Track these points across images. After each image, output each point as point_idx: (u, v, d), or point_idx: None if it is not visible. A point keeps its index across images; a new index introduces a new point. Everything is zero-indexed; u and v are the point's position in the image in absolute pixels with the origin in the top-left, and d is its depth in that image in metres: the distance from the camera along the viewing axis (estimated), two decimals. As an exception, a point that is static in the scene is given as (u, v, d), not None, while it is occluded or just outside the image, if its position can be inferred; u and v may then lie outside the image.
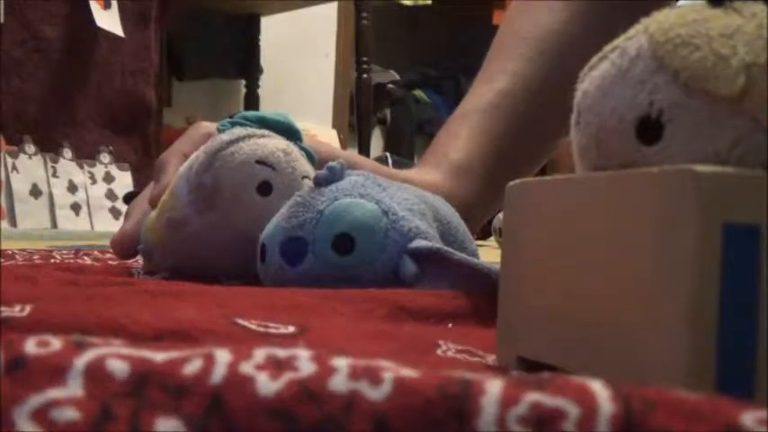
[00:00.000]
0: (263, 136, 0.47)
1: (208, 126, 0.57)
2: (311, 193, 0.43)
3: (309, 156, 0.49)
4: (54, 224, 1.52)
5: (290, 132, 0.48)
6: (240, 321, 0.29)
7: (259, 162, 0.45)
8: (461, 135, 0.66)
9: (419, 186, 0.50)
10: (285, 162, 0.46)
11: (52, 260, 0.56)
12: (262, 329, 0.28)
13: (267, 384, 0.15)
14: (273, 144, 0.46)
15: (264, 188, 0.46)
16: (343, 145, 2.60)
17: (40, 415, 0.15)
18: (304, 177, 0.46)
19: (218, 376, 0.16)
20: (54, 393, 0.16)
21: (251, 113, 0.48)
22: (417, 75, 3.51)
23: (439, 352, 0.28)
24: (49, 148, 1.55)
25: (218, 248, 0.47)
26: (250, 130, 0.47)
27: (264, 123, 0.48)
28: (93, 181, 1.58)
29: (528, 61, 0.66)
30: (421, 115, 3.39)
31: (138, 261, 0.57)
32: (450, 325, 0.35)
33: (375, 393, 0.15)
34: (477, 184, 0.64)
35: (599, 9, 0.67)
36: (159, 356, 0.16)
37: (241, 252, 0.46)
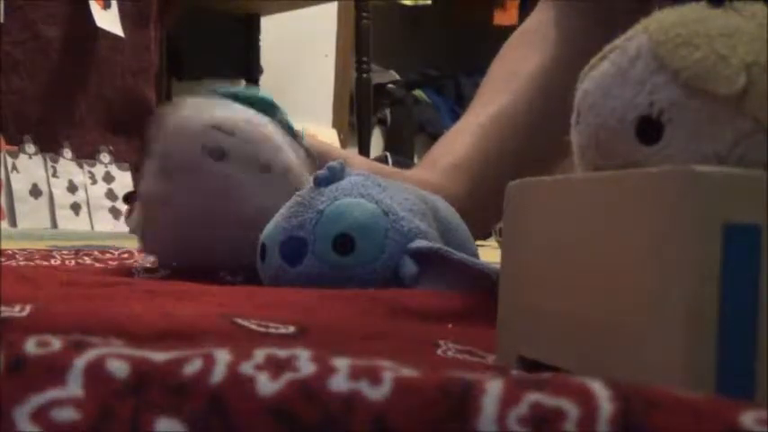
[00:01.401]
0: (229, 106, 0.46)
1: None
2: (311, 193, 0.42)
3: (290, 130, 0.48)
4: (54, 224, 1.52)
5: (266, 107, 0.47)
6: (240, 321, 0.29)
7: (215, 128, 0.44)
8: (457, 141, 0.68)
9: (413, 183, 0.50)
10: (246, 131, 0.45)
11: (52, 260, 0.56)
12: (262, 329, 0.28)
13: (267, 384, 0.15)
14: (234, 111, 0.45)
15: (218, 153, 0.44)
16: (343, 145, 2.60)
17: (40, 415, 0.15)
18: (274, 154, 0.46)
19: (218, 376, 0.16)
20: (54, 393, 0.16)
21: (224, 89, 0.48)
22: (417, 75, 3.51)
23: (439, 352, 0.28)
24: (49, 148, 1.55)
25: (186, 225, 0.46)
26: (219, 101, 0.46)
27: (238, 99, 0.47)
28: (94, 181, 1.58)
29: (513, 96, 0.69)
30: (421, 115, 3.38)
31: (137, 260, 0.57)
32: (450, 325, 0.35)
33: (375, 393, 0.15)
34: (471, 183, 0.64)
35: (573, 59, 0.68)
36: (159, 356, 0.16)
37: (210, 227, 0.45)
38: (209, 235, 0.45)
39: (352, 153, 0.63)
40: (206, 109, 0.45)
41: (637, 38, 0.22)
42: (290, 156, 0.46)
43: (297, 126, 0.49)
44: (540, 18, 0.72)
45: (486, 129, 0.67)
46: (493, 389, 0.15)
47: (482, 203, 0.64)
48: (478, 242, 0.66)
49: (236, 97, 0.47)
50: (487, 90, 0.71)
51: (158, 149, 0.45)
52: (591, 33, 0.67)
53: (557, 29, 0.70)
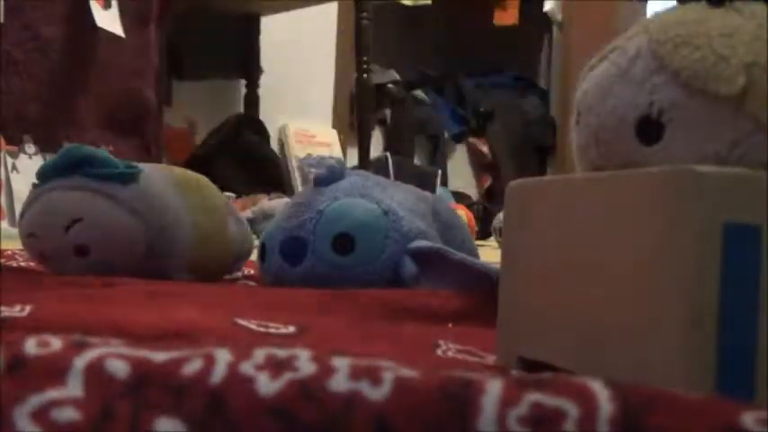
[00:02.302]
0: (37, 199, 0.46)
1: None
2: (311, 193, 0.43)
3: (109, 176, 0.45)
4: (54, 224, 1.51)
5: (76, 164, 0.45)
6: (240, 321, 0.29)
7: (30, 236, 0.46)
8: None
9: None
10: (42, 224, 0.45)
11: (52, 260, 0.56)
12: (262, 329, 0.28)
13: (267, 384, 0.15)
14: (36, 209, 0.46)
15: (42, 258, 0.46)
16: (343, 145, 2.60)
17: (40, 415, 0.15)
18: (73, 224, 0.45)
19: (218, 376, 0.16)
20: (54, 393, 0.15)
21: (44, 166, 0.46)
22: (417, 75, 3.51)
23: (439, 352, 0.28)
24: (49, 148, 1.54)
25: None
26: (32, 194, 0.46)
27: (50, 172, 0.46)
28: (94, 181, 1.57)
29: None
30: (421, 115, 3.38)
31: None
32: (450, 325, 0.35)
33: (375, 393, 0.15)
34: None
35: None
36: (159, 356, 0.16)
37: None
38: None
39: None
40: (24, 214, 0.47)
41: (637, 38, 0.22)
42: (107, 223, 0.45)
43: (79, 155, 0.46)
44: None
45: None
46: (493, 389, 0.15)
47: None
48: (478, 242, 0.66)
49: (47, 170, 0.46)
50: None
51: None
52: None
53: None
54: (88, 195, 0.44)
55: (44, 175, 0.46)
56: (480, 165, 2.87)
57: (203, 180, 0.52)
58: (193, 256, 0.48)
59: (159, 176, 0.48)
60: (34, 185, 0.46)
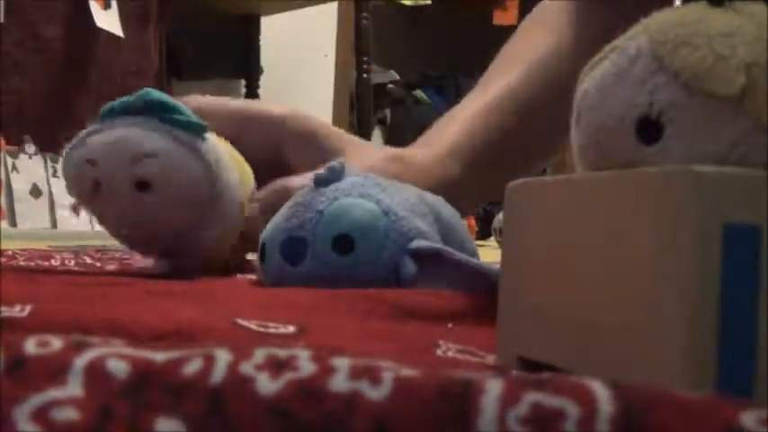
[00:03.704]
0: (101, 131, 0.44)
1: (198, 99, 0.57)
2: (311, 193, 0.43)
3: (186, 124, 0.45)
4: (54, 224, 1.52)
5: (148, 106, 0.45)
6: (240, 321, 0.29)
7: (87, 162, 0.44)
8: (456, 122, 0.67)
9: (408, 163, 0.50)
10: (109, 153, 0.43)
11: (52, 260, 0.56)
12: (262, 329, 0.28)
13: (267, 384, 0.15)
14: (99, 139, 0.44)
15: (95, 186, 0.45)
16: (343, 145, 2.59)
17: (40, 415, 0.15)
18: (142, 158, 0.43)
19: (218, 376, 0.16)
20: (54, 393, 0.16)
21: (109, 104, 0.45)
22: (417, 75, 3.51)
23: (439, 352, 0.28)
24: (49, 148, 1.55)
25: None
26: (95, 127, 0.45)
27: (117, 111, 0.45)
28: (94, 181, 1.57)
29: (522, 75, 0.68)
30: (421, 115, 3.38)
31: (136, 260, 0.57)
32: (450, 325, 0.35)
33: (375, 393, 0.15)
34: (466, 163, 0.64)
35: (591, 38, 0.68)
36: (159, 356, 0.16)
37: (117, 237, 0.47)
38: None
39: (340, 132, 0.60)
40: (87, 136, 0.45)
41: (637, 38, 0.22)
42: (179, 167, 0.44)
43: (155, 99, 0.45)
44: None
45: (481, 114, 0.67)
46: (493, 389, 0.15)
47: (472, 188, 0.64)
48: (478, 242, 0.66)
49: (114, 110, 0.45)
50: (492, 72, 0.71)
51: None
52: (605, 13, 0.67)
53: (571, 7, 0.70)
54: (161, 135, 0.44)
55: (111, 112, 0.45)
56: (480, 165, 2.86)
57: (246, 165, 0.52)
58: (226, 232, 0.48)
59: (222, 144, 0.48)
60: (97, 121, 0.45)
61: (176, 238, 0.46)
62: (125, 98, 0.45)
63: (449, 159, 0.63)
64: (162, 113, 0.44)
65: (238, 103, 0.60)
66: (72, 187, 0.46)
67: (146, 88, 0.46)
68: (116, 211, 0.45)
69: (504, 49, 0.73)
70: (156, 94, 0.45)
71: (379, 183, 0.43)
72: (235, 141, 0.53)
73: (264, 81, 2.51)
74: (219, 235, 0.48)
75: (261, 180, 0.53)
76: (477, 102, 0.68)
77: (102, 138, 0.44)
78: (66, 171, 0.46)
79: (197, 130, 0.45)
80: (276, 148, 0.58)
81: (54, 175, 1.53)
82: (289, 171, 0.56)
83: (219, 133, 0.50)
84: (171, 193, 0.44)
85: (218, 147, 0.46)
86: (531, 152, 0.71)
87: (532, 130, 0.68)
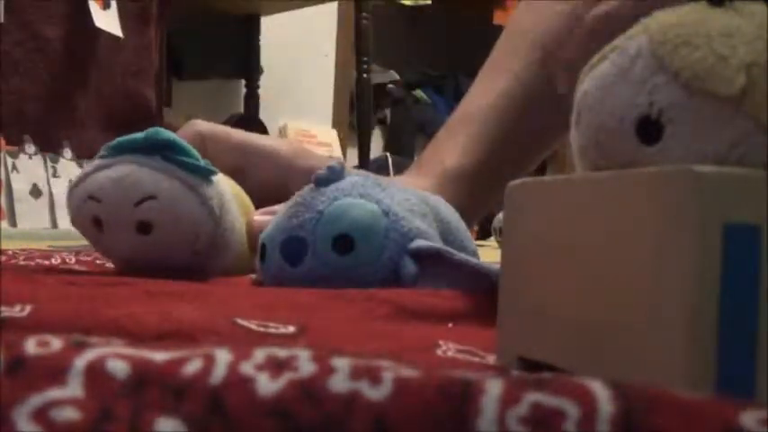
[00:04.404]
0: (107, 167, 0.44)
1: (199, 124, 0.57)
2: (311, 193, 0.43)
3: (189, 166, 0.44)
4: (54, 224, 1.51)
5: (157, 146, 0.44)
6: (240, 321, 0.29)
7: (90, 197, 0.44)
8: (458, 139, 0.66)
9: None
10: (113, 191, 0.43)
11: (52, 260, 0.56)
12: (262, 329, 0.28)
13: (267, 384, 0.15)
14: (105, 175, 0.44)
15: (97, 223, 0.45)
16: (343, 145, 2.60)
17: (40, 415, 0.15)
18: (146, 200, 0.43)
19: (218, 376, 0.16)
20: (54, 393, 0.16)
21: (117, 140, 0.45)
22: (417, 75, 3.51)
23: (439, 352, 0.28)
24: (49, 148, 1.55)
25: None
26: (102, 162, 0.45)
27: (125, 148, 0.45)
28: (94, 181, 1.57)
29: (531, 63, 0.67)
30: (421, 115, 3.39)
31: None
32: (450, 325, 0.35)
33: (375, 393, 0.15)
34: (468, 191, 0.64)
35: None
36: (159, 356, 0.16)
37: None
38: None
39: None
40: (91, 173, 0.45)
41: (637, 38, 0.22)
42: (180, 209, 0.44)
43: (162, 137, 0.45)
44: None
45: (487, 117, 0.66)
46: (493, 389, 0.15)
47: (470, 209, 0.64)
48: (478, 242, 0.66)
49: (120, 147, 0.45)
50: (496, 59, 0.69)
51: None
52: None
53: None
54: (166, 177, 0.44)
55: (118, 148, 0.44)
56: (480, 165, 2.86)
57: (246, 197, 0.52)
58: (230, 265, 0.48)
59: (224, 181, 0.48)
60: (101, 157, 0.45)
61: (175, 272, 0.46)
62: (134, 135, 0.45)
63: (448, 185, 0.63)
64: (169, 154, 0.44)
65: (243, 136, 0.60)
66: (74, 221, 0.46)
67: (156, 128, 0.45)
68: (118, 249, 0.46)
69: (506, 31, 0.71)
70: (166, 134, 0.45)
71: (379, 183, 0.43)
72: (237, 172, 0.53)
73: (264, 81, 2.51)
74: (222, 263, 0.48)
75: None
76: (476, 106, 0.67)
77: (107, 174, 0.44)
78: (69, 204, 0.46)
79: (203, 174, 0.45)
80: (282, 185, 0.58)
81: (54, 175, 1.53)
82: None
83: (222, 161, 0.50)
84: (172, 237, 0.44)
85: (222, 187, 0.47)
86: (530, 151, 0.70)
87: (539, 121, 0.67)
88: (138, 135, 0.45)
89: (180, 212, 0.44)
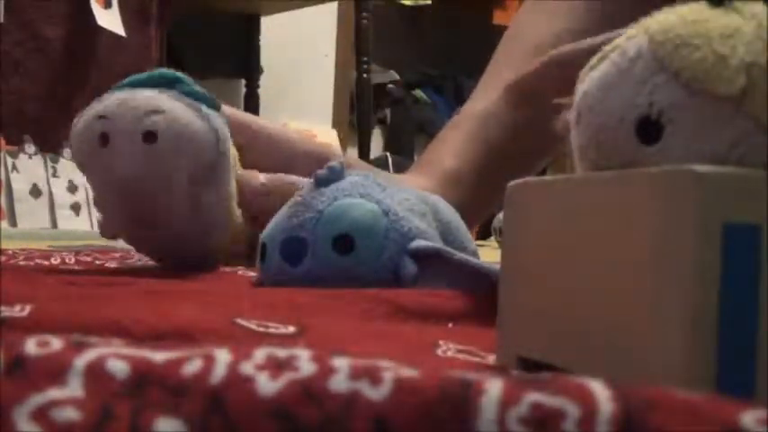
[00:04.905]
0: (112, 94, 0.47)
1: None
2: (311, 193, 0.43)
3: (200, 97, 0.47)
4: (54, 224, 1.51)
5: (170, 81, 0.47)
6: (240, 321, 0.29)
7: (98, 117, 0.46)
8: (456, 141, 0.67)
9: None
10: (122, 108, 0.45)
11: (52, 260, 0.56)
12: (262, 329, 0.28)
13: (267, 384, 0.15)
14: (115, 96, 0.46)
15: (103, 139, 0.46)
16: (343, 145, 2.60)
17: (40, 415, 0.15)
18: (153, 113, 0.45)
19: (218, 376, 0.16)
20: (54, 393, 0.16)
21: (131, 78, 0.48)
22: (417, 75, 3.51)
23: (439, 352, 0.28)
24: (49, 148, 1.54)
25: (107, 209, 0.50)
26: (112, 93, 0.47)
27: (134, 84, 0.47)
28: (94, 181, 1.57)
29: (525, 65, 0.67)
30: (421, 115, 3.39)
31: (137, 260, 0.57)
32: (450, 325, 0.35)
33: (375, 393, 0.15)
34: (468, 192, 0.64)
35: (597, 18, 0.68)
36: (159, 356, 0.16)
37: (118, 211, 0.48)
38: (121, 216, 0.49)
39: (349, 155, 0.64)
40: (95, 105, 0.47)
41: (637, 38, 0.22)
42: (185, 121, 0.46)
43: (171, 75, 0.48)
44: None
45: (484, 122, 0.67)
46: (493, 389, 0.15)
47: (472, 210, 0.64)
48: (478, 242, 0.66)
49: (137, 82, 0.47)
50: (496, 67, 0.70)
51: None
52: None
53: None
54: (176, 99, 0.46)
55: (130, 84, 0.47)
56: (480, 165, 2.87)
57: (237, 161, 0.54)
58: (222, 214, 0.49)
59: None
60: (115, 88, 0.47)
61: (173, 198, 0.46)
62: (146, 73, 0.47)
63: (447, 187, 0.63)
64: (178, 86, 0.47)
65: (249, 118, 0.61)
66: (78, 144, 0.47)
67: (163, 69, 0.48)
68: (122, 162, 0.46)
69: (505, 38, 0.72)
70: (173, 72, 0.47)
71: (379, 183, 0.43)
72: (244, 149, 0.54)
73: (264, 81, 2.51)
74: (215, 205, 0.49)
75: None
76: (475, 111, 0.68)
77: (115, 97, 0.46)
78: (75, 127, 0.47)
79: (210, 104, 0.47)
80: (285, 164, 0.59)
81: (54, 175, 1.53)
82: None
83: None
84: (177, 146, 0.45)
85: (225, 126, 0.48)
86: (531, 153, 0.70)
87: (537, 130, 0.67)
88: (147, 73, 0.47)
89: (185, 127, 0.45)
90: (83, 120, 0.46)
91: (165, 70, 0.47)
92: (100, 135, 0.46)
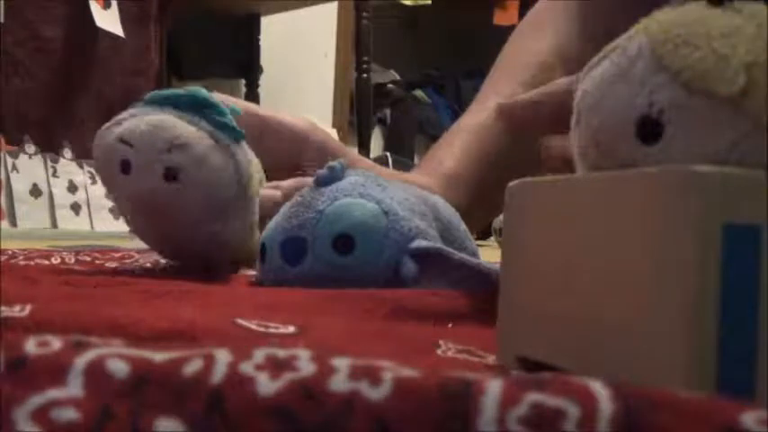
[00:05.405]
0: (142, 114, 0.45)
1: (215, 96, 0.59)
2: (311, 193, 0.43)
3: (221, 126, 0.46)
4: (54, 224, 1.52)
5: (193, 103, 0.46)
6: (240, 321, 0.29)
7: (121, 141, 0.45)
8: (455, 146, 0.68)
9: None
10: (146, 138, 0.44)
11: (52, 260, 0.56)
12: (262, 329, 0.28)
13: (267, 384, 0.15)
14: (138, 121, 0.45)
15: (124, 166, 0.45)
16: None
17: (41, 415, 0.15)
18: (177, 147, 0.44)
19: (218, 376, 0.16)
20: (54, 393, 0.16)
21: (156, 93, 0.47)
22: (417, 75, 3.51)
23: (439, 352, 0.28)
24: (49, 148, 1.55)
25: (130, 221, 0.49)
26: (136, 110, 0.46)
27: (161, 101, 0.46)
28: (94, 181, 1.58)
29: (521, 86, 0.68)
30: (421, 115, 3.39)
31: (137, 260, 0.57)
32: (450, 325, 0.35)
33: (375, 393, 0.15)
34: (466, 194, 0.65)
35: (595, 36, 0.68)
36: (159, 356, 0.16)
37: (141, 225, 0.48)
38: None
39: (353, 151, 0.66)
40: (125, 119, 0.46)
41: (637, 38, 0.22)
42: (208, 160, 0.45)
43: (205, 98, 0.46)
44: None
45: (481, 133, 0.68)
46: (493, 389, 0.15)
47: (472, 214, 0.64)
48: (478, 242, 0.66)
49: (169, 99, 0.46)
50: (494, 80, 0.71)
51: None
52: (608, 10, 0.67)
53: (573, 6, 0.70)
54: (201, 132, 0.45)
55: (155, 101, 0.46)
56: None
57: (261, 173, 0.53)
58: (242, 238, 0.49)
59: (255, 164, 0.49)
60: (137, 105, 0.46)
61: (194, 231, 0.46)
62: (174, 90, 0.46)
63: (448, 189, 0.64)
64: (204, 111, 0.45)
65: (259, 109, 0.62)
66: (100, 165, 0.47)
67: (197, 87, 0.47)
68: (141, 193, 0.46)
69: (503, 54, 0.73)
70: (205, 93, 0.46)
71: (379, 182, 0.43)
72: (254, 143, 0.54)
73: (264, 81, 2.51)
74: (236, 235, 0.48)
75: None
76: (475, 121, 0.69)
77: (140, 121, 0.45)
78: (97, 148, 0.46)
79: (236, 136, 0.46)
80: (296, 158, 0.60)
81: (54, 175, 1.53)
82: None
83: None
84: (197, 187, 0.45)
85: (250, 155, 0.47)
86: (533, 165, 0.71)
87: (533, 143, 0.68)
88: (179, 90, 0.46)
89: (207, 166, 0.45)
90: (106, 137, 0.45)
91: (197, 91, 0.46)
92: (121, 161, 0.45)
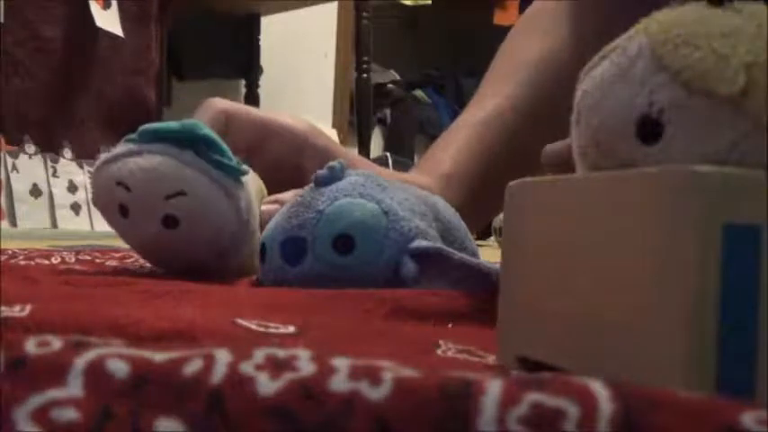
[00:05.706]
0: (139, 153, 0.43)
1: (220, 102, 0.58)
2: (311, 193, 0.43)
3: (216, 163, 0.44)
4: (54, 224, 1.52)
5: (192, 140, 0.44)
6: (240, 321, 0.29)
7: (118, 184, 0.44)
8: (454, 145, 0.68)
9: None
10: (144, 185, 0.43)
11: (52, 260, 0.56)
12: (262, 329, 0.28)
13: (267, 384, 0.15)
14: (136, 162, 0.43)
15: (123, 210, 0.45)
16: (343, 144, 2.59)
17: (41, 415, 0.15)
18: (176, 195, 0.43)
19: (218, 376, 0.16)
20: (54, 393, 0.16)
21: (152, 127, 0.44)
22: (417, 75, 3.51)
23: (439, 352, 0.28)
24: (49, 148, 1.55)
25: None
26: (134, 147, 0.44)
27: (158, 136, 0.44)
28: (94, 181, 1.57)
29: (519, 86, 0.69)
30: (421, 115, 3.39)
31: (137, 260, 0.57)
32: (450, 325, 0.35)
33: (375, 393, 0.15)
34: (464, 194, 0.65)
35: (587, 37, 0.69)
36: (159, 356, 0.16)
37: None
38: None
39: (353, 153, 0.66)
40: (119, 158, 0.44)
41: (637, 38, 0.22)
42: (207, 206, 0.44)
43: (200, 132, 0.44)
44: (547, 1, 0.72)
45: (479, 131, 0.68)
46: (493, 389, 0.15)
47: (472, 214, 0.64)
48: (478, 242, 0.67)
49: (157, 133, 0.44)
50: (491, 80, 0.72)
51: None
52: (601, 11, 0.68)
53: (566, 7, 0.70)
54: (199, 174, 0.43)
55: (151, 135, 0.44)
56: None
57: (263, 188, 0.52)
58: (245, 264, 0.48)
59: (253, 180, 0.48)
60: (131, 140, 0.44)
61: (196, 266, 0.46)
62: (169, 124, 0.44)
63: (447, 189, 0.64)
64: (203, 150, 0.44)
65: (261, 113, 0.62)
66: (98, 202, 0.46)
67: (193, 120, 0.45)
68: (141, 239, 0.46)
69: (499, 55, 0.74)
70: (202, 128, 0.44)
71: (379, 183, 0.43)
72: (256, 149, 0.54)
73: (264, 81, 2.52)
74: (239, 266, 0.48)
75: (277, 189, 0.54)
76: (474, 120, 0.69)
77: (139, 162, 0.43)
78: (94, 184, 0.46)
79: (235, 174, 0.45)
80: (297, 160, 0.60)
81: (54, 174, 1.53)
82: (306, 182, 0.58)
83: (242, 138, 0.50)
84: (197, 234, 0.44)
85: (249, 187, 0.47)
86: (532, 163, 0.71)
87: (532, 141, 0.68)
88: (174, 124, 0.44)
89: (208, 212, 0.44)
90: (103, 175, 0.44)
91: (194, 126, 0.44)
92: (120, 206, 0.44)
